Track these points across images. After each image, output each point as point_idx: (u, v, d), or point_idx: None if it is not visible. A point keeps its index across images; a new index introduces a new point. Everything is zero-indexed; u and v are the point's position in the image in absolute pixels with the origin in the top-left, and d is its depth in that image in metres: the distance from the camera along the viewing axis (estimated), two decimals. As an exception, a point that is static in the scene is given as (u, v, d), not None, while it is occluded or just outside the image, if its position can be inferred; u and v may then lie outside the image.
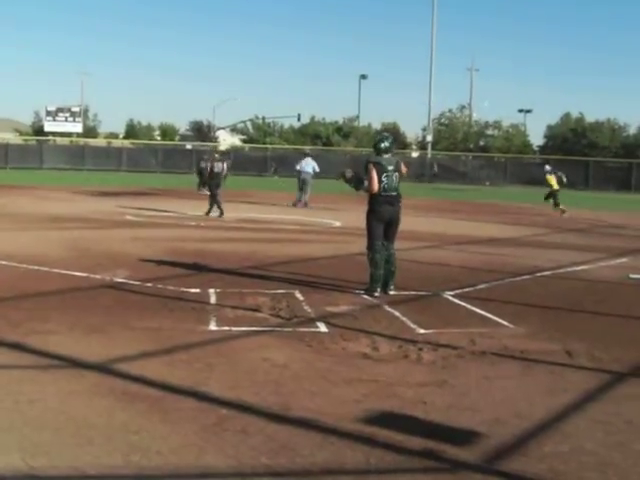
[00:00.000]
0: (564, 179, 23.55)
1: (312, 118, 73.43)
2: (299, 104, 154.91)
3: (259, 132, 72.42)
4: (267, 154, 57.77)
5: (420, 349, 6.05)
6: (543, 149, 68.96)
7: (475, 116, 70.96)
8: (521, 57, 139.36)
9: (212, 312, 7.19)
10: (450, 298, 8.36)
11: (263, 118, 73.81)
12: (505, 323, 7.14)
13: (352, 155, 55.53)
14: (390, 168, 8.38)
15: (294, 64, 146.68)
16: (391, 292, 8.38)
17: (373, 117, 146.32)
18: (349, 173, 8.85)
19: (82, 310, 7.09)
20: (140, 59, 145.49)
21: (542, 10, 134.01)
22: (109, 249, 11.60)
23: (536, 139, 77.46)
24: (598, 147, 62.31)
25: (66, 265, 9.66)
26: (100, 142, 69.87)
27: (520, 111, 75.41)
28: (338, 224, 17.54)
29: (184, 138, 78.42)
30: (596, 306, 8.26)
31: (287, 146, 63.71)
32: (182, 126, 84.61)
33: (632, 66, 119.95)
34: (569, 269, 11.23)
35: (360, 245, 9.47)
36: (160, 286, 8.43)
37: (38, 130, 67.57)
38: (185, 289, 8.24)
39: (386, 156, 8.48)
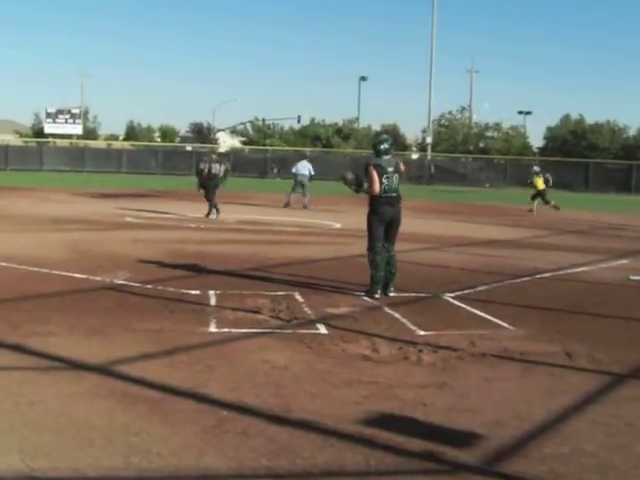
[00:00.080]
0: (550, 181, 24.07)
1: (312, 120, 73.47)
2: (299, 105, 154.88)
3: (259, 134, 72.40)
4: (267, 156, 57.78)
5: (420, 351, 6.05)
6: (543, 151, 68.93)
7: (475, 118, 71.02)
8: (521, 58, 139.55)
9: (212, 314, 7.20)
10: (450, 300, 8.36)
11: (263, 120, 73.82)
12: (505, 325, 7.14)
13: (352, 157, 55.53)
14: (390, 170, 8.39)
15: (294, 65, 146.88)
16: (391, 294, 8.38)
17: (373, 119, 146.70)
18: (349, 175, 8.85)
19: (82, 312, 7.09)
20: (140, 60, 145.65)
21: (542, 11, 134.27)
22: (109, 251, 11.60)
23: (536, 141, 77.33)
24: (598, 149, 62.30)
25: (66, 267, 9.66)
26: (100, 144, 69.84)
27: (520, 113, 75.48)
28: (338, 226, 17.54)
29: (184, 140, 78.44)
30: (596, 308, 8.26)
31: (287, 148, 63.71)
32: (182, 128, 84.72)
33: (632, 68, 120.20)
34: (569, 271, 11.23)
35: (360, 247, 9.47)
36: (160, 288, 8.44)
37: (38, 132, 67.55)
38: (185, 291, 8.25)
39: (386, 158, 8.48)
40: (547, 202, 23.89)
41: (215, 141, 73.12)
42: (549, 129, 70.83)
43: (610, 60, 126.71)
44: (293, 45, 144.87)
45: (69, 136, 64.52)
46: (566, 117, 70.41)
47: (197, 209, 18.62)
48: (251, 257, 11.43)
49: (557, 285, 9.94)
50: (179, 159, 55.07)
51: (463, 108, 71.38)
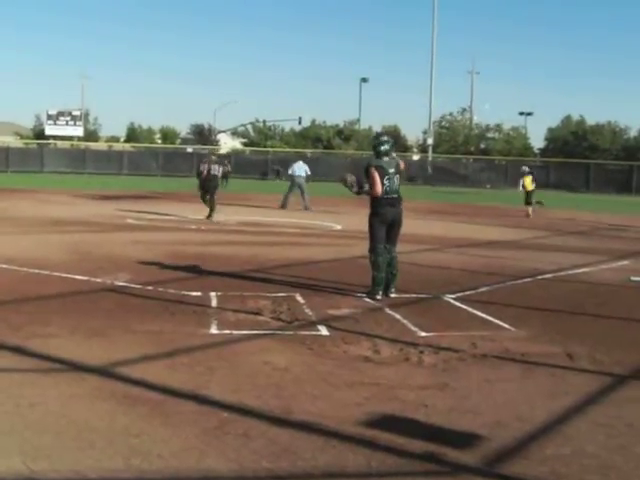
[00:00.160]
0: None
1: (313, 121, 73.51)
2: (300, 107, 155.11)
3: (260, 135, 72.44)
4: (268, 157, 57.80)
5: (421, 352, 6.05)
6: (544, 152, 68.94)
7: (476, 119, 71.03)
8: (521, 60, 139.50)
9: (213, 315, 7.20)
10: (451, 301, 8.36)
11: (264, 121, 73.86)
12: (506, 326, 7.14)
13: (353, 158, 55.52)
14: (391, 171, 8.38)
15: (295, 67, 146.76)
16: (392, 295, 8.38)
17: (374, 120, 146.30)
18: (350, 177, 8.84)
19: (83, 313, 7.09)
20: (141, 62, 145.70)
21: (542, 13, 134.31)
22: (110, 252, 11.60)
23: (537, 142, 77.44)
24: (599, 150, 62.31)
25: (67, 268, 9.66)
26: (101, 146, 69.91)
27: (521, 114, 75.49)
28: (339, 227, 17.54)
29: (185, 141, 78.50)
30: (597, 309, 8.26)
31: (288, 149, 63.73)
32: (183, 129, 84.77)
33: (633, 68, 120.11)
34: (570, 272, 11.23)
35: (361, 248, 9.47)
36: (161, 289, 8.44)
37: (39, 134, 67.60)
38: (186, 292, 8.25)
39: (386, 159, 8.48)
40: (539, 202, 24.22)
41: (216, 143, 73.16)
42: (550, 130, 70.86)
43: (611, 61, 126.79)
44: (294, 47, 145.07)
45: (70, 138, 64.52)
46: (567, 118, 70.45)
47: (198, 211, 18.62)
48: (252, 258, 11.43)
49: (558, 286, 9.94)
50: (180, 161, 55.07)
51: (464, 109, 71.44)
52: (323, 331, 6.70)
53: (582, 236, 17.93)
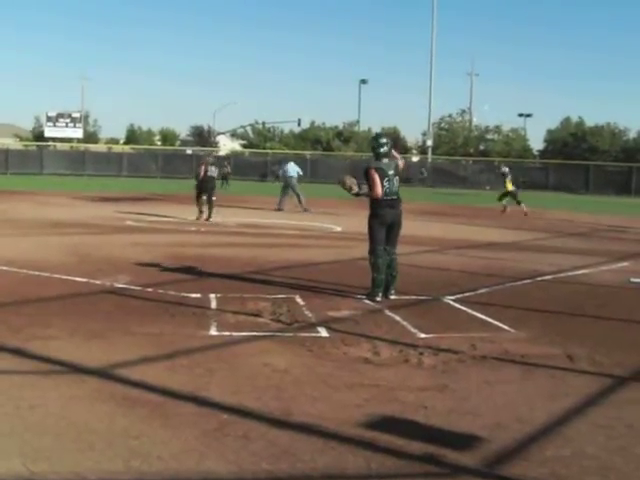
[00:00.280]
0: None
1: (312, 123, 73.63)
2: (299, 109, 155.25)
3: (259, 137, 72.53)
4: (267, 159, 57.84)
5: (421, 354, 6.05)
6: (543, 153, 69.06)
7: (475, 120, 71.16)
8: (521, 61, 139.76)
9: (213, 317, 7.20)
10: (451, 302, 8.36)
11: (263, 123, 73.97)
12: (506, 327, 7.14)
13: (352, 160, 55.54)
14: (391, 172, 8.38)
15: (294, 68, 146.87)
16: (392, 297, 8.37)
17: (373, 122, 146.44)
18: (349, 179, 8.83)
19: (83, 315, 7.09)
20: (140, 64, 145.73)
21: (541, 14, 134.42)
22: (110, 254, 11.60)
23: (536, 143, 77.58)
24: (598, 151, 62.38)
25: (67, 270, 9.67)
26: (100, 147, 69.97)
27: (520, 115, 75.58)
28: (339, 229, 17.54)
29: (184, 143, 78.61)
30: (597, 310, 8.26)
31: (287, 151, 63.80)
32: (183, 131, 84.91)
33: (632, 70, 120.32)
34: (570, 273, 11.23)
35: (361, 250, 9.47)
36: (161, 291, 8.44)
37: (38, 136, 67.66)
38: (186, 294, 8.25)
39: (386, 160, 8.48)
40: (519, 202, 24.44)
41: (215, 144, 73.19)
42: (549, 131, 70.99)
43: (610, 62, 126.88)
44: (293, 48, 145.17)
45: (69, 140, 64.60)
46: (566, 119, 70.59)
47: (197, 212, 18.60)
48: (252, 260, 11.43)
49: (558, 288, 9.94)
50: (179, 162, 55.13)
51: (463, 111, 71.58)
52: (323, 333, 6.70)
53: (582, 237, 17.93)
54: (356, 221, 13.86)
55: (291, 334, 6.63)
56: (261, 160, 58.39)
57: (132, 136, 79.46)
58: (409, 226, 10.73)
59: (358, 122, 74.66)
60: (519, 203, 24.44)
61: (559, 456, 4.01)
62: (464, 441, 4.16)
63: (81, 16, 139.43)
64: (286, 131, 74.80)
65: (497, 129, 69.14)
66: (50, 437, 4.05)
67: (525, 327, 7.16)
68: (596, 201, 38.48)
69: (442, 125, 69.52)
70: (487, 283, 9.81)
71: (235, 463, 3.80)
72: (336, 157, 61.14)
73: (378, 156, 8.49)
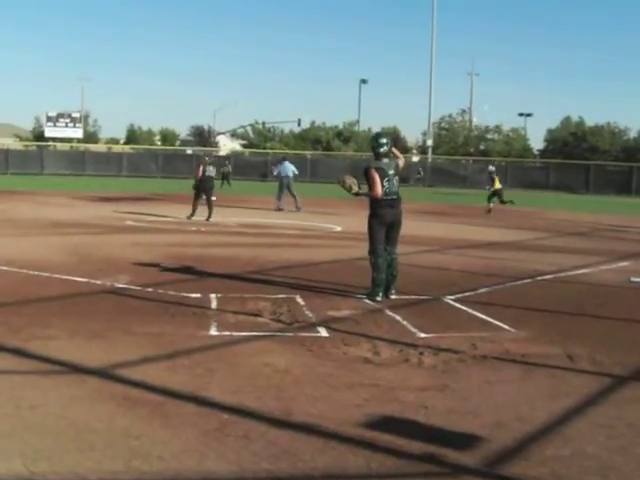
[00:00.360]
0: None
1: (312, 123, 73.65)
2: (299, 108, 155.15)
3: (259, 137, 72.53)
4: (267, 159, 57.86)
5: (421, 353, 6.05)
6: (543, 153, 69.04)
7: (475, 120, 71.15)
8: (521, 61, 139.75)
9: (213, 317, 7.20)
10: (451, 302, 8.36)
11: (263, 123, 73.98)
12: (506, 327, 7.14)
13: (352, 160, 55.54)
14: (391, 172, 8.37)
15: (294, 68, 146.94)
16: (392, 296, 8.37)
17: (373, 121, 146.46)
18: (349, 179, 8.83)
19: (83, 315, 7.09)
20: (140, 64, 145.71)
21: (542, 13, 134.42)
22: (110, 254, 11.61)
23: (536, 143, 77.55)
24: (598, 151, 62.37)
25: (67, 270, 9.67)
26: (100, 147, 69.96)
27: (520, 115, 75.57)
28: (339, 229, 17.54)
29: (185, 143, 78.59)
30: (597, 310, 8.26)
31: (287, 151, 63.81)
32: (183, 131, 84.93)
33: (632, 70, 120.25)
34: (570, 273, 11.23)
35: (361, 250, 9.47)
36: (161, 291, 8.44)
37: (38, 136, 67.65)
38: (186, 294, 8.24)
39: (386, 160, 8.47)
40: (489, 200, 24.54)
41: (215, 144, 73.19)
42: (549, 131, 70.96)
43: (610, 62, 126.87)
44: (293, 48, 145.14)
45: (69, 140, 64.58)
46: (566, 119, 70.57)
47: (198, 212, 18.60)
48: (252, 260, 11.43)
49: (558, 287, 9.94)
50: (179, 162, 55.08)
51: (463, 111, 71.59)
52: (323, 332, 6.70)
53: (582, 237, 17.93)
54: (356, 221, 13.85)
55: (291, 334, 6.63)
56: (261, 160, 58.37)
57: (132, 136, 79.46)
58: (409, 226, 10.74)
59: (358, 122, 74.76)
60: (503, 202, 24.45)
61: (559, 455, 4.01)
62: (464, 441, 4.17)
63: (81, 16, 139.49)
64: (286, 131, 74.89)
65: (497, 129, 69.15)
66: (50, 437, 4.05)
67: (525, 327, 7.16)
68: (596, 201, 38.48)
69: (442, 125, 69.51)
70: (487, 283, 9.81)
71: (236, 463, 3.80)
72: (336, 157, 61.14)
73: (378, 156, 8.48)
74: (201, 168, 18.55)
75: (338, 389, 5.09)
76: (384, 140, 8.55)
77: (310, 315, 7.42)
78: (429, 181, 52.34)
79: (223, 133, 78.52)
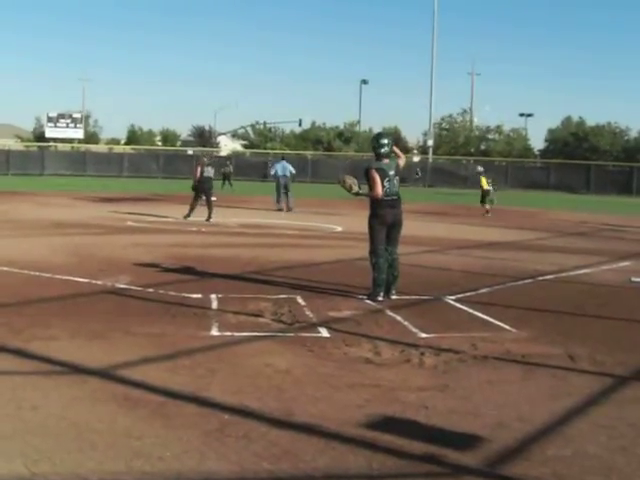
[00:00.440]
0: (492, 183, 24.76)
1: (313, 123, 73.59)
2: (300, 109, 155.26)
3: (260, 137, 72.48)
4: (268, 159, 57.83)
5: (422, 353, 6.05)
6: (544, 153, 69.00)
7: (476, 120, 71.10)
8: (522, 61, 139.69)
9: (214, 317, 7.20)
10: (452, 302, 8.36)
11: (264, 123, 73.93)
12: (507, 327, 7.13)
13: (353, 160, 55.53)
14: (391, 173, 8.37)
15: (295, 69, 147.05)
16: (393, 297, 8.37)
17: (374, 122, 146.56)
18: (349, 179, 8.83)
19: (84, 316, 7.09)
20: (141, 65, 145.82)
21: (542, 14, 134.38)
22: (111, 255, 11.61)
23: (537, 143, 77.56)
24: (599, 151, 62.32)
25: (68, 271, 9.67)
26: (101, 148, 69.96)
27: (521, 115, 75.57)
28: (340, 229, 17.54)
29: (185, 144, 78.57)
30: (598, 310, 8.26)
31: (288, 151, 63.79)
32: (183, 132, 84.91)
33: (633, 70, 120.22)
34: (571, 273, 11.23)
35: (362, 250, 9.47)
36: (162, 292, 8.44)
37: (39, 136, 67.67)
38: (187, 294, 8.25)
39: (386, 161, 8.47)
40: (490, 202, 24.52)
41: (216, 145, 73.19)
42: (550, 131, 70.93)
43: (611, 62, 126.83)
44: (294, 48, 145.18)
45: (70, 140, 64.60)
46: (567, 119, 70.56)
47: (198, 213, 18.61)
48: (252, 260, 11.43)
49: (559, 287, 9.94)
50: (180, 163, 55.04)
51: (464, 111, 71.50)
52: (324, 333, 6.70)
53: (583, 237, 17.93)
54: (357, 221, 13.85)
55: (292, 334, 6.63)
56: (262, 160, 58.34)
57: (133, 136, 79.44)
58: (410, 226, 10.73)
59: (359, 122, 74.66)
60: (491, 202, 24.45)
61: (560, 456, 4.01)
62: (465, 441, 4.16)
63: (82, 18, 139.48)
64: (287, 131, 74.84)
65: (498, 129, 69.10)
66: (51, 438, 4.05)
67: (526, 327, 7.16)
68: (597, 201, 38.46)
69: (443, 125, 69.46)
70: (488, 283, 9.81)
71: (236, 463, 3.80)
72: (337, 157, 61.10)
73: (379, 156, 8.48)
74: (199, 169, 18.56)
75: (339, 389, 5.09)
76: (385, 141, 8.53)
77: (311, 315, 7.42)
78: (430, 181, 52.30)
79: (224, 133, 78.51)
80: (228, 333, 6.57)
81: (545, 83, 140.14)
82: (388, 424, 4.40)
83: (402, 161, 8.74)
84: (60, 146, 63.57)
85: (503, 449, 4.08)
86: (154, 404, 4.66)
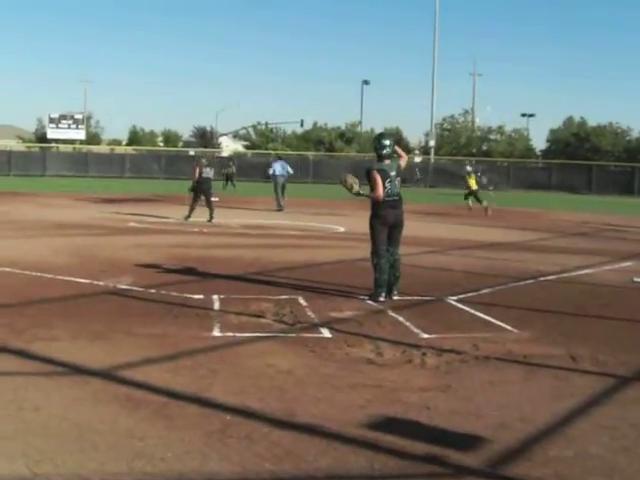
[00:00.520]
0: (484, 181, 24.78)
1: (315, 124, 73.60)
2: (302, 110, 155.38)
3: (262, 138, 72.50)
4: (270, 160, 57.79)
5: (424, 354, 6.04)
6: (546, 153, 68.96)
7: (478, 121, 71.06)
8: (523, 61, 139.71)
9: (216, 318, 7.20)
10: (453, 303, 8.35)
11: (266, 124, 73.95)
12: (509, 328, 7.13)
13: (355, 160, 55.52)
14: (393, 174, 8.37)
15: (297, 69, 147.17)
16: (395, 297, 8.37)
17: (376, 122, 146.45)
18: (350, 178, 8.83)
19: (86, 317, 7.10)
20: (143, 65, 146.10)
21: (544, 14, 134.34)
22: (112, 256, 11.61)
23: (539, 143, 77.54)
24: (601, 151, 62.30)
25: (69, 272, 9.68)
26: (103, 149, 70.01)
27: (523, 115, 75.47)
28: (342, 229, 17.54)
29: (187, 144, 78.59)
30: (600, 310, 8.25)
31: (290, 152, 63.81)
32: (185, 132, 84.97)
33: (635, 70, 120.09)
34: (573, 273, 11.22)
35: (364, 250, 9.47)
36: (164, 292, 8.44)
37: (41, 137, 67.79)
38: (189, 295, 8.25)
39: (388, 162, 8.46)
40: (480, 201, 24.68)
41: (218, 145, 73.21)
42: (552, 131, 70.90)
43: (613, 62, 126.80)
44: (296, 49, 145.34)
45: (72, 141, 64.67)
46: (569, 119, 70.52)
47: (200, 214, 18.61)
48: (254, 261, 11.43)
49: (561, 288, 9.93)
50: (182, 164, 54.96)
51: (466, 111, 71.48)
52: (326, 333, 6.70)
53: (585, 237, 17.91)
54: (359, 222, 13.84)
55: (294, 335, 6.63)
56: (264, 161, 58.30)
57: (134, 137, 79.52)
58: (412, 227, 10.73)
59: (360, 123, 74.65)
60: (480, 201, 24.59)
61: (562, 456, 4.00)
62: (467, 441, 4.16)
63: (83, 19, 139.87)
64: (289, 132, 74.86)
65: (500, 129, 69.07)
66: (53, 439, 4.06)
67: (528, 327, 7.15)
68: (599, 201, 38.43)
69: (445, 125, 69.45)
70: (490, 283, 9.80)
71: (238, 464, 3.80)
72: (339, 158, 61.10)
73: (381, 157, 8.47)
74: (197, 170, 18.56)
75: (341, 390, 5.08)
76: (387, 142, 8.51)
77: (313, 316, 7.42)
78: (431, 182, 52.27)
79: (225, 134, 78.51)
80: (230, 334, 6.57)
81: (547, 83, 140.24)
82: (390, 425, 4.40)
83: (404, 161, 8.74)
84: (62, 147, 63.64)
85: (505, 450, 4.08)
86: (156, 405, 4.66)
